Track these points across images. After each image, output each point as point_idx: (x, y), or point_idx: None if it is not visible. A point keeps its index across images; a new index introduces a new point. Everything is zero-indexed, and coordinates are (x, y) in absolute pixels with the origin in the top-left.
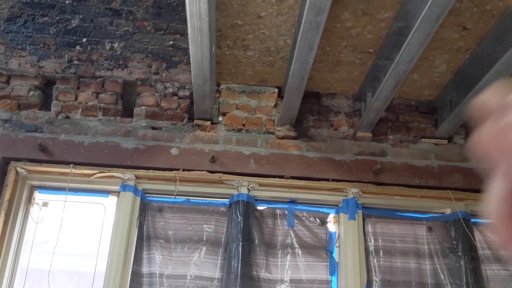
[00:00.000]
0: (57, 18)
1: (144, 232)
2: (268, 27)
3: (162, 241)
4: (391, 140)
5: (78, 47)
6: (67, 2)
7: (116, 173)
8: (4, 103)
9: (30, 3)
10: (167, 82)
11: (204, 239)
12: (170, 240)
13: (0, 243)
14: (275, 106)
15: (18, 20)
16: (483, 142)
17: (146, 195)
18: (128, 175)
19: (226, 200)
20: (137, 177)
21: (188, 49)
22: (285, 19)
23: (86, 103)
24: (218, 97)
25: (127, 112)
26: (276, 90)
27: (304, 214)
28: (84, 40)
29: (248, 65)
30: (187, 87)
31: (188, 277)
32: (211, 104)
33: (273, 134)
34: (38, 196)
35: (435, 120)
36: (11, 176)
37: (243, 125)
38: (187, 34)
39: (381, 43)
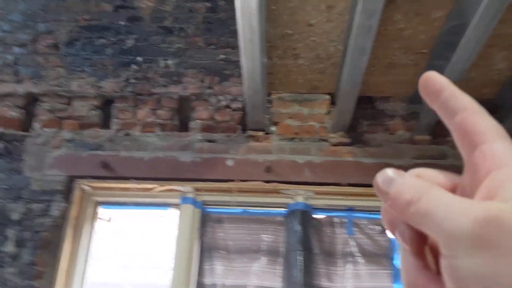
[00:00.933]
0: (113, 39)
1: (205, 243)
2: (318, 34)
3: (222, 251)
4: (451, 142)
5: (134, 66)
6: (121, 23)
7: (176, 186)
8: (67, 123)
9: (87, 27)
10: (220, 95)
11: (263, 249)
12: (230, 250)
13: (70, 258)
14: (328, 113)
15: (76, 43)
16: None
17: (205, 206)
18: (187, 188)
19: (283, 210)
20: (196, 189)
21: (239, 61)
22: (335, 25)
23: (144, 119)
24: (270, 107)
25: (184, 126)
26: (328, 96)
27: (363, 222)
28: (140, 59)
29: (299, 74)
30: (239, 99)
31: (249, 287)
32: (264, 114)
33: (327, 141)
34: (103, 212)
35: (497, 119)
36: (76, 193)
37: (296, 133)
38: (238, 47)
39: (434, 43)
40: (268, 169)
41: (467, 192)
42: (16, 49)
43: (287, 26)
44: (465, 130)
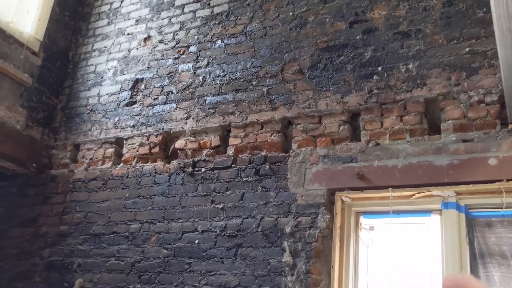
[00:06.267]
0: (351, 54)
1: (475, 249)
2: None
3: (498, 257)
4: None
5: (375, 77)
6: (357, 37)
7: (435, 191)
8: (320, 140)
9: (326, 48)
10: (471, 91)
11: None
12: (507, 256)
13: (339, 266)
14: None
15: (318, 65)
16: None
17: (469, 210)
18: (448, 192)
19: None
20: (457, 193)
21: (488, 51)
22: None
23: (392, 127)
24: None
25: (433, 129)
26: None
27: None
28: (379, 68)
29: None
30: (493, 92)
31: None
32: None
33: None
34: (364, 221)
35: None
36: (338, 205)
37: None
38: (484, 37)
39: None
40: None
41: None
42: (268, 80)
43: None
44: None
